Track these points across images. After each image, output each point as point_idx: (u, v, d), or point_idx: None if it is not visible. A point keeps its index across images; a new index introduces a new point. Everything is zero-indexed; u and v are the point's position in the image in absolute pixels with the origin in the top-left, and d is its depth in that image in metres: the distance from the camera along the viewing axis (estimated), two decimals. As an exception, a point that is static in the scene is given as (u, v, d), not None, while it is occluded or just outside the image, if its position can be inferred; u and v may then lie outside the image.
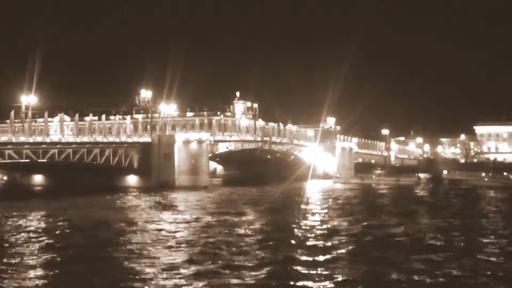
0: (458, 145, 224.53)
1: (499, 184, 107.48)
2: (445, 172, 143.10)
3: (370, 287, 25.83)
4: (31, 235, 40.64)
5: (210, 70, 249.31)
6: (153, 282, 26.62)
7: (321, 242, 37.70)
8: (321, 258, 31.93)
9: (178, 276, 27.70)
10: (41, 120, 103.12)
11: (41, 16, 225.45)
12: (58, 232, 42.65)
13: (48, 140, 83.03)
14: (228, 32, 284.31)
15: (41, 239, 38.73)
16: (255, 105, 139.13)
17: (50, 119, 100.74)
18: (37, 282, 26.50)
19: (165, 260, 31.47)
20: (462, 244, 37.88)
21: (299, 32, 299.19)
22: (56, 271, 28.77)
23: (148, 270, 29.07)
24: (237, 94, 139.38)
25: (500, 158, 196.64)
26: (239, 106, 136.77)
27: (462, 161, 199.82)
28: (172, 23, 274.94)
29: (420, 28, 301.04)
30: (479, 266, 30.15)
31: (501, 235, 41.69)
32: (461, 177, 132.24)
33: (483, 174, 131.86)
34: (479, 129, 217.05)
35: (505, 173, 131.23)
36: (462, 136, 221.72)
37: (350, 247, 35.53)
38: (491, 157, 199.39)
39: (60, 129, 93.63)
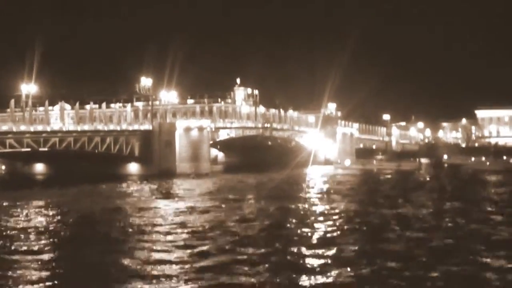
0: (460, 130, 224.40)
1: (500, 168, 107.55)
2: (445, 156, 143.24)
3: (374, 275, 25.69)
4: (32, 224, 40.68)
5: (211, 57, 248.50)
6: (154, 269, 26.59)
7: (324, 229, 37.72)
8: (324, 245, 31.93)
9: (178, 263, 27.65)
10: (41, 108, 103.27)
11: (42, 5, 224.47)
12: (60, 222, 42.73)
13: (48, 128, 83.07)
14: (229, 19, 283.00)
15: (42, 229, 38.76)
16: (256, 92, 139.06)
17: (50, 107, 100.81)
18: (38, 272, 26.47)
19: (165, 247, 31.53)
20: (462, 228, 37.85)
21: (300, 18, 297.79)
22: (56, 260, 28.80)
23: (149, 257, 29.10)
24: (238, 80, 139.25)
25: (501, 142, 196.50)
26: (240, 93, 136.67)
27: (464, 145, 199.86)
28: (172, 11, 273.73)
29: (422, 14, 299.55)
30: (480, 248, 30.18)
31: (499, 219, 41.68)
32: (462, 161, 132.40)
33: (483, 159, 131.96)
34: (480, 113, 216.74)
35: (504, 157, 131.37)
36: (463, 121, 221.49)
37: (353, 235, 35.49)
38: (493, 141, 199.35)
39: (61, 118, 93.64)
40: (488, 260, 27.93)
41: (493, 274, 25.32)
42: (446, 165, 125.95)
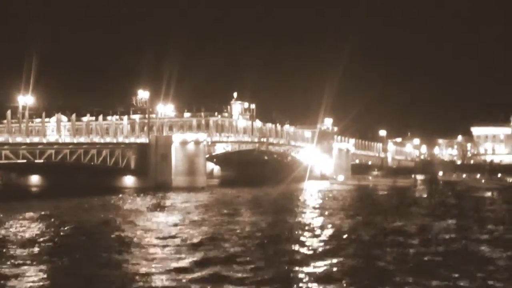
0: (455, 147, 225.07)
1: (495, 186, 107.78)
2: (440, 173, 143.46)
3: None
4: (26, 236, 40.60)
5: (208, 70, 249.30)
6: (148, 282, 26.55)
7: (318, 244, 37.76)
8: (318, 260, 31.92)
9: (173, 275, 27.65)
10: (38, 120, 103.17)
11: (38, 16, 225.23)
12: (54, 233, 42.57)
13: (45, 140, 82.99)
14: (226, 33, 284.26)
15: (36, 240, 38.65)
16: (253, 106, 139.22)
17: (47, 119, 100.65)
18: (30, 284, 26.39)
19: (161, 260, 31.51)
20: (456, 244, 37.89)
21: (297, 33, 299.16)
22: (51, 273, 28.74)
23: (143, 270, 29.04)
24: (235, 94, 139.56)
25: (496, 159, 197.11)
26: (237, 107, 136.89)
27: (459, 162, 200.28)
28: (169, 24, 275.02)
29: (417, 30, 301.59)
30: (473, 264, 30.23)
31: (494, 236, 41.75)
32: (457, 178, 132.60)
33: (478, 176, 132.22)
34: (475, 131, 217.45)
35: (499, 175, 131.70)
36: (459, 138, 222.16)
37: (347, 249, 35.57)
38: (488, 158, 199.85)
39: (57, 130, 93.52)
40: (474, 276, 28.04)
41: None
42: (441, 182, 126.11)
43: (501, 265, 31.06)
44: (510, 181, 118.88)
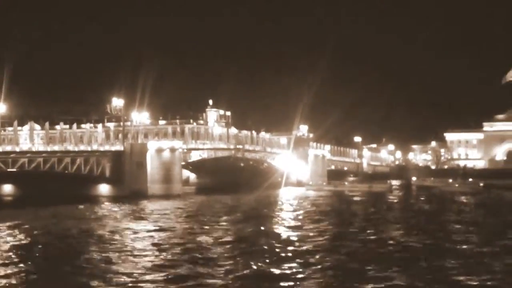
0: (429, 152, 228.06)
1: (467, 190, 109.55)
2: (414, 178, 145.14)
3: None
4: None
5: (183, 78, 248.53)
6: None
7: (293, 250, 37.75)
8: (293, 267, 31.95)
9: (148, 285, 27.41)
10: (10, 128, 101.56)
11: (11, 24, 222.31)
12: (26, 243, 41.87)
13: (17, 149, 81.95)
14: (200, 41, 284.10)
15: (7, 252, 37.93)
16: (228, 113, 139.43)
17: (19, 128, 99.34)
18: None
19: (134, 270, 31.19)
20: (431, 247, 38.32)
21: (272, 40, 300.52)
22: (25, 283, 28.17)
23: (118, 279, 28.75)
24: (210, 102, 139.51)
25: (470, 164, 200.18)
26: (212, 114, 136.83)
27: (433, 167, 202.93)
28: (143, 32, 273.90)
29: (391, 38, 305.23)
30: (448, 266, 30.61)
31: (467, 236, 42.31)
32: (430, 183, 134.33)
33: (450, 180, 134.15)
34: (449, 136, 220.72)
35: (470, 179, 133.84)
36: (433, 143, 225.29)
37: (322, 255, 35.63)
38: (461, 163, 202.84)
39: (30, 138, 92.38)
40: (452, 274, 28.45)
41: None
42: (414, 187, 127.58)
43: (473, 261, 31.51)
44: (481, 185, 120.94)
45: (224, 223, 53.53)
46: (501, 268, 30.85)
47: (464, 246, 38.66)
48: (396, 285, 27.18)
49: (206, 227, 50.22)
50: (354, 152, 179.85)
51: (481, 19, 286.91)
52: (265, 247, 38.25)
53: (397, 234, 45.51)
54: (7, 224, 52.71)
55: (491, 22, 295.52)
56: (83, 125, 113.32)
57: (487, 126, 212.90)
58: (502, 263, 32.08)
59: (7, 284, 27.90)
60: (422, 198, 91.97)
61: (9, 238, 44.22)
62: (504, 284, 27.34)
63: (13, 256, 35.99)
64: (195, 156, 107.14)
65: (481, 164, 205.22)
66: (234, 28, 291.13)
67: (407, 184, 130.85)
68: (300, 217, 60.46)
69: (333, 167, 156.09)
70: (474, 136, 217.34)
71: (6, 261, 33.92)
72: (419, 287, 26.92)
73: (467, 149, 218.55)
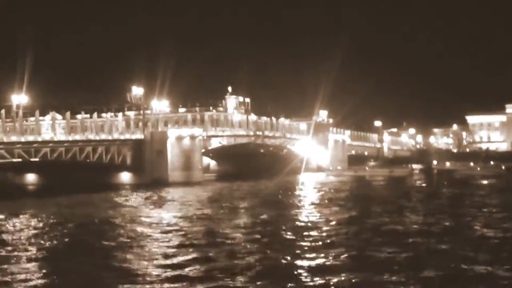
0: (451, 135, 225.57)
1: (490, 173, 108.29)
2: (435, 162, 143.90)
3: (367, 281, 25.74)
4: (23, 234, 40.52)
5: (202, 65, 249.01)
6: (146, 278, 26.57)
7: (316, 237, 37.72)
8: (316, 253, 31.97)
9: (172, 272, 27.63)
10: (32, 119, 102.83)
11: (32, 15, 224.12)
12: (51, 231, 42.42)
13: (40, 139, 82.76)
14: (220, 28, 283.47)
15: (33, 239, 38.58)
16: (247, 100, 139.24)
17: (41, 118, 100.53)
18: (30, 283, 26.35)
19: (161, 255, 31.53)
20: (450, 233, 38.04)
21: (291, 26, 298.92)
22: (49, 271, 28.55)
23: (141, 267, 29.06)
24: (229, 89, 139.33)
25: (492, 147, 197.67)
26: (231, 101, 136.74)
27: (455, 151, 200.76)
28: (162, 20, 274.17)
29: (413, 22, 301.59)
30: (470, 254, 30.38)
31: (488, 221, 41.94)
32: (452, 167, 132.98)
33: (472, 164, 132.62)
34: (471, 119, 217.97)
35: (492, 162, 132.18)
36: (455, 126, 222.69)
37: (344, 241, 35.59)
38: (483, 146, 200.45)
39: (52, 128, 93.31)
40: (476, 264, 28.15)
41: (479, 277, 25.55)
42: (435, 171, 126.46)
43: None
44: (504, 168, 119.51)
45: (245, 210, 53.74)
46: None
47: (482, 229, 38.31)
48: (420, 277, 26.94)
49: (227, 213, 50.51)
50: (375, 136, 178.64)
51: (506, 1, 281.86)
52: (285, 234, 38.30)
53: (418, 220, 45.25)
54: (31, 211, 53.54)
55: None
56: (103, 114, 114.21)
57: (510, 108, 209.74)
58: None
59: (29, 270, 28.34)
60: (443, 183, 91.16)
61: (30, 226, 44.86)
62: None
63: (33, 242, 36.59)
64: (215, 143, 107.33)
65: (503, 146, 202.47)
66: (254, 15, 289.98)
67: (428, 168, 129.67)
68: (321, 202, 60.38)
69: (353, 152, 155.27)
70: (496, 119, 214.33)
71: (29, 248, 34.49)
72: (443, 275, 26.69)
73: (490, 132, 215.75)
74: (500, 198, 62.80)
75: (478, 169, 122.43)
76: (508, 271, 26.64)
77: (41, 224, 45.97)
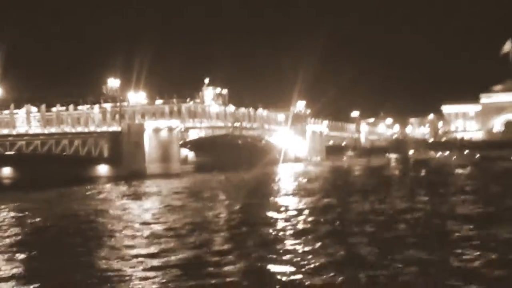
0: (427, 125, 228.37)
1: (465, 162, 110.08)
2: (411, 152, 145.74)
3: (348, 270, 25.94)
4: None
5: (179, 57, 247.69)
6: (121, 272, 26.38)
7: (295, 224, 37.95)
8: (295, 241, 32.11)
9: (148, 265, 27.51)
10: (6, 112, 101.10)
11: (5, 7, 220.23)
12: (26, 225, 41.96)
13: (14, 132, 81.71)
14: (195, 18, 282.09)
15: (6, 233, 38.04)
16: (225, 91, 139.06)
17: (16, 110, 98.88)
18: (3, 279, 26.02)
19: (135, 249, 31.32)
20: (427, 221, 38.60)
21: (268, 16, 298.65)
22: (23, 267, 28.13)
23: (117, 260, 28.86)
24: (206, 80, 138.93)
25: (468, 136, 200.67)
26: (209, 92, 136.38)
27: (431, 140, 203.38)
28: (139, 11, 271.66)
29: (389, 13, 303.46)
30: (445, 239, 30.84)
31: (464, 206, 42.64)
32: (427, 156, 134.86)
33: (447, 153, 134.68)
34: (446, 109, 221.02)
35: (466, 151, 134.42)
36: (431, 116, 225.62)
37: (323, 228, 35.81)
38: (459, 135, 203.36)
39: (27, 121, 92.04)
40: (453, 253, 28.60)
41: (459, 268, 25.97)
42: (411, 160, 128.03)
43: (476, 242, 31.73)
44: (477, 156, 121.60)
45: (223, 200, 53.81)
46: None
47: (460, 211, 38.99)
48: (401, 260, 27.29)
49: (205, 203, 50.48)
50: (352, 127, 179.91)
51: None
52: (265, 225, 38.42)
53: (396, 205, 45.82)
54: (4, 206, 52.82)
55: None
56: (79, 107, 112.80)
57: (484, 98, 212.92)
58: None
59: (9, 265, 28.04)
60: (419, 171, 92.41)
61: (6, 220, 44.28)
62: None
63: (13, 237, 36.16)
64: (192, 135, 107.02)
65: (478, 136, 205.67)
66: (230, 7, 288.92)
67: (404, 158, 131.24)
68: (299, 192, 60.64)
69: (331, 142, 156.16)
70: (471, 108, 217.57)
71: (3, 243, 34.11)
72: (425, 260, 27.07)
73: (465, 121, 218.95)
74: (470, 183, 63.93)
75: (454, 158, 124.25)
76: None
77: (16, 219, 45.38)
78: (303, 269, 25.39)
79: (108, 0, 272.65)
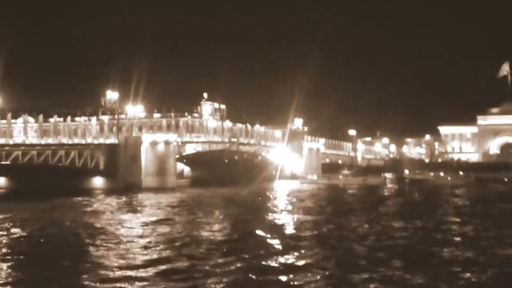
0: (423, 145, 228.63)
1: (458, 182, 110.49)
2: (406, 171, 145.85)
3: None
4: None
5: (177, 71, 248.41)
6: (116, 284, 26.31)
7: (289, 243, 37.83)
8: (289, 259, 32.06)
9: (142, 279, 27.45)
10: (4, 121, 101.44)
11: (4, 16, 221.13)
12: (19, 236, 41.78)
13: (11, 142, 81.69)
14: (194, 34, 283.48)
15: (2, 242, 37.91)
16: (223, 106, 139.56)
17: (13, 120, 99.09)
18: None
19: (129, 262, 31.22)
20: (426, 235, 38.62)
21: (266, 34, 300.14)
22: (16, 278, 28.00)
23: (111, 272, 28.79)
24: (205, 95, 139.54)
25: (464, 157, 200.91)
26: (207, 107, 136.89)
27: (427, 161, 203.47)
28: (137, 25, 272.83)
29: (385, 31, 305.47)
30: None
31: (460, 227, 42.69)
32: (423, 176, 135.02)
33: (442, 174, 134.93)
34: (443, 130, 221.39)
35: (461, 172, 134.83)
36: (427, 136, 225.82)
37: (318, 248, 35.70)
38: (455, 156, 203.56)
39: (24, 131, 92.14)
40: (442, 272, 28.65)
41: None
42: (407, 180, 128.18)
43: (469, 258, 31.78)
44: (473, 177, 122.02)
45: (218, 216, 53.72)
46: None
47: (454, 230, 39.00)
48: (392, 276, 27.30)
49: (200, 219, 50.41)
50: (349, 145, 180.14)
51: (475, 12, 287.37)
52: (260, 240, 38.37)
53: (391, 226, 45.81)
54: (0, 216, 52.60)
55: (486, 15, 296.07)
56: (77, 118, 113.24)
57: (481, 120, 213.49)
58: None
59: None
60: (414, 191, 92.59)
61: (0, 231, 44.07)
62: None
63: (2, 248, 36.02)
64: (189, 149, 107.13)
65: (475, 157, 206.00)
66: (229, 22, 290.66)
67: (400, 178, 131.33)
68: (294, 210, 60.62)
69: (327, 160, 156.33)
70: (468, 130, 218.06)
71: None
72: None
73: (461, 143, 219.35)
74: (465, 204, 63.99)
75: (449, 178, 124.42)
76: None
77: (10, 229, 45.17)
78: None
79: (107, 12, 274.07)
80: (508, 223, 46.39)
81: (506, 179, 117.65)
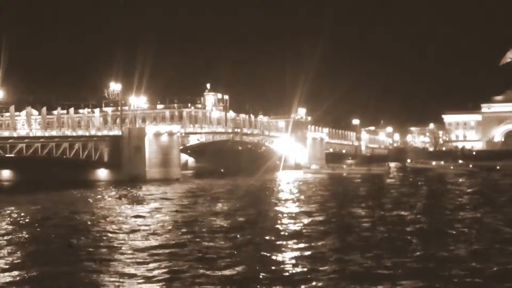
0: (427, 134, 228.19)
1: (462, 172, 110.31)
2: (408, 160, 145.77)
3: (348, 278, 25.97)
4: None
5: (180, 62, 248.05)
6: (122, 277, 26.42)
7: (294, 233, 37.91)
8: (295, 248, 32.22)
9: (148, 269, 27.58)
10: (7, 114, 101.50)
11: (9, 10, 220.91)
12: (24, 228, 41.95)
13: (15, 134, 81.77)
14: (198, 24, 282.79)
15: (5, 236, 38.05)
16: (226, 97, 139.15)
17: (17, 113, 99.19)
18: (2, 282, 26.05)
19: (135, 253, 31.36)
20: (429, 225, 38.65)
21: (270, 23, 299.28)
22: (22, 271, 28.07)
23: (117, 264, 28.95)
24: (208, 86, 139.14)
25: (468, 146, 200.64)
26: (210, 98, 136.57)
27: (431, 149, 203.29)
28: (140, 16, 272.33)
29: (389, 21, 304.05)
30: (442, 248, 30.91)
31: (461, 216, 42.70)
32: (426, 165, 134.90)
33: (442, 162, 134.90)
34: (447, 118, 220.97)
35: (460, 161, 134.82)
36: (431, 125, 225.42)
37: (324, 237, 35.75)
38: (459, 145, 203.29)
39: (28, 123, 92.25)
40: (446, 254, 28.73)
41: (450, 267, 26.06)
42: (409, 169, 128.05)
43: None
44: (471, 166, 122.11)
45: (223, 206, 53.80)
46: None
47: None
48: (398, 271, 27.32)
49: (205, 209, 50.53)
50: (352, 134, 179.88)
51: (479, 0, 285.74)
52: (264, 231, 38.43)
53: (394, 216, 45.86)
54: (4, 208, 52.80)
55: (490, 3, 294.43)
56: (80, 110, 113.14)
57: (485, 108, 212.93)
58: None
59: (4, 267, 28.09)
60: (418, 180, 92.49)
61: (5, 224, 44.24)
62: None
63: (8, 242, 36.18)
64: (193, 140, 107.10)
65: (479, 145, 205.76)
66: (232, 13, 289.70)
67: (404, 166, 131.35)
68: (298, 199, 60.68)
69: (331, 150, 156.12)
70: (472, 118, 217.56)
71: (2, 244, 34.15)
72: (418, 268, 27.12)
73: (465, 131, 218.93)
74: (468, 196, 63.97)
75: (451, 167, 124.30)
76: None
77: (15, 222, 45.37)
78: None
79: (110, 4, 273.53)
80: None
81: (498, 167, 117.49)
